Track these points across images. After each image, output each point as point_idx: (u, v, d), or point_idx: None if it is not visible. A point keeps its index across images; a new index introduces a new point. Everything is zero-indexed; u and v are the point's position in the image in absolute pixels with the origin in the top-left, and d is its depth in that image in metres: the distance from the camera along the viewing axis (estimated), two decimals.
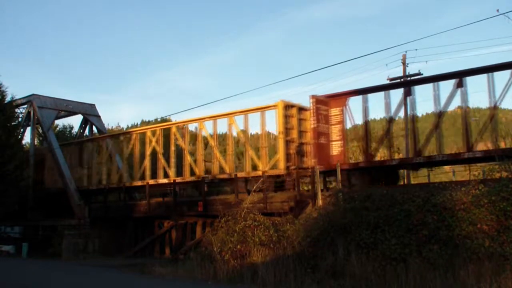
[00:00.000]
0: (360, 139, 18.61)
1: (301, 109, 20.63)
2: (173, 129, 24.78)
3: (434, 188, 12.63)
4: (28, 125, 33.42)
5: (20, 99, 32.70)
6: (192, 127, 28.00)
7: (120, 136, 30.16)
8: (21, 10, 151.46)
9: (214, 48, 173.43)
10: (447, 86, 16.36)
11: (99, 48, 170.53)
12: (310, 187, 18.93)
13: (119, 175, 27.57)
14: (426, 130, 17.79)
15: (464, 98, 15.95)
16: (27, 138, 35.07)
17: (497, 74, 15.36)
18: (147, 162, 25.71)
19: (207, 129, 23.12)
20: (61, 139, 36.39)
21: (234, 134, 22.44)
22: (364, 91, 18.10)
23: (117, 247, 26.46)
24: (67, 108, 34.37)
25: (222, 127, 24.19)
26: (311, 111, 18.39)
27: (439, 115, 16.48)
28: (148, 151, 25.68)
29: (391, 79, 25.80)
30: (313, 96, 18.39)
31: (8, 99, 30.66)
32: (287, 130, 19.92)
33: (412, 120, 17.50)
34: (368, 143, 17.91)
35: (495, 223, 10.68)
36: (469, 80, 15.96)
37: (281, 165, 19.50)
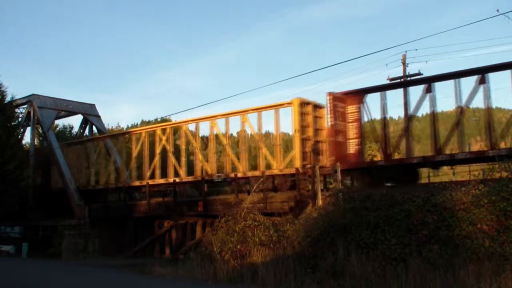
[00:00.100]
0: (378, 137, 18.16)
1: (316, 106, 20.29)
2: (184, 127, 24.23)
3: (434, 188, 12.62)
4: (28, 125, 33.44)
5: (20, 99, 32.71)
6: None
7: (130, 134, 29.25)
8: (21, 10, 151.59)
9: (214, 48, 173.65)
10: (469, 82, 15.99)
11: (99, 48, 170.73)
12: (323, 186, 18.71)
13: (129, 174, 27.10)
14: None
15: (487, 94, 15.54)
16: (27, 138, 35.15)
17: None
18: (156, 161, 25.17)
19: (219, 127, 22.63)
20: (61, 139, 36.38)
21: (247, 132, 22.02)
22: (382, 88, 17.70)
23: (117, 247, 26.46)
24: (67, 108, 34.38)
25: (234, 125, 24.04)
26: (328, 108, 17.98)
27: (461, 113, 16.06)
28: (158, 150, 25.16)
29: (391, 79, 25.79)
30: (330, 93, 18.03)
31: (8, 99, 30.69)
32: (302, 128, 19.53)
33: (433, 118, 16.96)
34: (386, 141, 17.49)
35: (495, 223, 10.68)
36: (492, 76, 15.54)
37: (297, 163, 19.10)
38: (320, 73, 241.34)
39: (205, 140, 36.06)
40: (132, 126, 76.26)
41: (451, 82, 16.21)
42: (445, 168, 20.19)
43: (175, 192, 23.67)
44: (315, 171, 17.47)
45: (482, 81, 15.46)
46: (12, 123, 30.94)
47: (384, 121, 17.71)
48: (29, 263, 23.41)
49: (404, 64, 26.96)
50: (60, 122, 45.63)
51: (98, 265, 21.34)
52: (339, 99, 18.03)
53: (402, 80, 18.27)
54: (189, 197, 26.31)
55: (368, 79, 65.38)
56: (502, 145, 15.93)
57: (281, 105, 20.24)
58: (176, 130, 26.16)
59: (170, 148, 24.67)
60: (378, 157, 20.28)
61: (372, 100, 18.61)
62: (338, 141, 17.81)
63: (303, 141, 19.44)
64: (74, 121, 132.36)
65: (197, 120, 23.58)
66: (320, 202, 16.37)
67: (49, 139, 31.37)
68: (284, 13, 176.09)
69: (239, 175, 20.94)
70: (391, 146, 17.64)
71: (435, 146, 16.28)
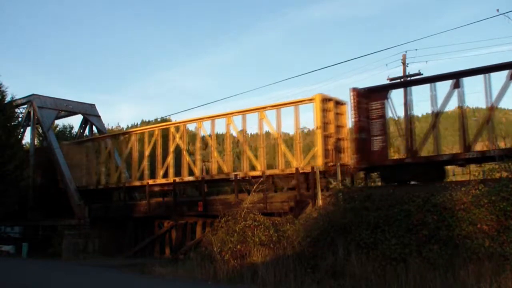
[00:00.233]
0: (403, 133, 17.64)
1: (337, 103, 19.88)
2: (199, 125, 23.53)
3: (434, 188, 12.62)
4: (28, 125, 33.45)
5: (20, 99, 32.72)
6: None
7: (141, 133, 28.19)
8: (21, 10, 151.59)
9: (214, 48, 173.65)
10: (499, 77, 15.31)
11: (99, 48, 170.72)
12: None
13: (140, 172, 26.46)
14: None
15: None
16: (27, 138, 35.15)
17: None
18: (170, 160, 24.59)
19: (236, 124, 22.02)
20: (61, 139, 36.36)
21: (265, 129, 21.46)
22: (407, 84, 17.24)
23: (117, 247, 26.46)
24: (67, 108, 34.39)
25: (251, 122, 23.58)
26: (352, 104, 17.59)
27: (491, 109, 15.54)
28: (171, 148, 24.61)
29: (391, 79, 25.78)
30: (353, 89, 17.64)
31: (8, 99, 30.69)
32: (324, 125, 19.06)
33: (461, 114, 16.36)
34: (412, 138, 17.03)
35: (495, 223, 10.68)
36: None
37: (320, 161, 18.61)
38: (320, 73, 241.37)
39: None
40: (132, 126, 76.21)
41: (480, 78, 15.60)
42: (445, 168, 19.87)
43: (175, 192, 23.66)
44: (315, 171, 17.49)
45: None
46: (12, 123, 30.95)
47: (410, 118, 17.25)
48: (29, 263, 23.41)
49: (404, 64, 26.95)
50: (60, 122, 45.69)
51: (98, 265, 21.34)
52: (363, 95, 17.55)
53: (427, 76, 17.40)
54: (189, 197, 26.32)
55: (368, 79, 65.35)
56: None
57: (301, 101, 19.75)
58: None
59: (184, 146, 24.13)
60: (396, 155, 19.66)
61: (397, 96, 18.15)
62: (361, 139, 17.32)
63: (325, 138, 18.95)
64: (74, 121, 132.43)
65: (213, 117, 22.93)
66: (320, 202, 16.37)
67: (49, 139, 31.37)
68: (284, 13, 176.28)
69: (257, 173, 20.38)
70: (417, 143, 17.03)
71: (464, 143, 15.75)
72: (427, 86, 16.85)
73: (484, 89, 15.50)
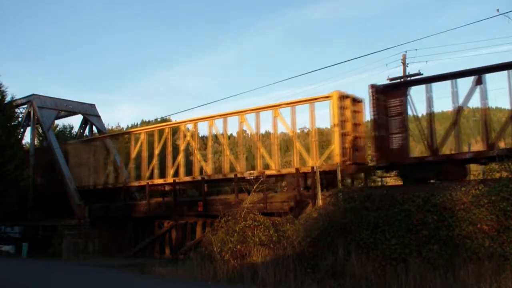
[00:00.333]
0: (424, 131, 17.19)
1: (354, 100, 19.46)
2: (211, 123, 22.91)
3: (434, 188, 12.62)
4: (28, 125, 33.47)
5: (20, 99, 32.74)
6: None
7: (152, 131, 27.31)
8: (21, 10, 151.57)
9: (214, 48, 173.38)
10: None
11: (99, 48, 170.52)
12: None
13: (150, 172, 25.79)
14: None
15: None
16: (27, 138, 35.16)
17: None
18: (181, 158, 24.22)
19: (249, 122, 21.53)
20: (61, 139, 36.37)
21: (279, 127, 21.02)
22: (427, 80, 16.85)
23: (117, 247, 26.46)
24: (67, 108, 34.41)
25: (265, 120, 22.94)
26: (371, 101, 17.25)
27: None
28: (182, 146, 24.23)
29: (391, 79, 25.76)
30: (372, 86, 17.31)
31: (8, 99, 30.71)
32: (342, 123, 18.54)
33: (484, 111, 15.94)
34: (433, 135, 16.67)
35: (495, 223, 10.69)
36: None
37: (337, 159, 18.18)
38: (320, 73, 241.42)
39: (204, 139, 35.59)
40: (132, 126, 76.15)
41: (503, 74, 15.21)
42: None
43: (175, 192, 23.65)
44: (316, 170, 17.48)
45: None
46: (12, 123, 30.96)
47: (431, 115, 16.81)
48: (29, 263, 23.41)
49: (404, 64, 26.91)
50: (60, 122, 45.75)
51: (98, 265, 21.34)
52: (381, 92, 17.21)
53: (449, 72, 16.87)
54: (189, 197, 26.32)
55: (368, 79, 65.14)
56: None
57: (316, 99, 19.32)
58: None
59: (195, 145, 23.70)
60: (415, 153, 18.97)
61: (416, 93, 17.37)
62: (380, 136, 17.02)
63: (343, 136, 18.47)
64: (74, 121, 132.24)
65: (225, 115, 22.43)
66: (320, 202, 16.37)
67: (49, 139, 31.38)
68: (284, 13, 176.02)
69: (273, 172, 20.10)
70: (438, 141, 16.64)
71: (487, 141, 15.40)
72: (447, 83, 16.42)
73: (508, 86, 15.12)
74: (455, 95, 16.28)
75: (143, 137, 26.41)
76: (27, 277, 16.87)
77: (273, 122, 20.69)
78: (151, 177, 25.56)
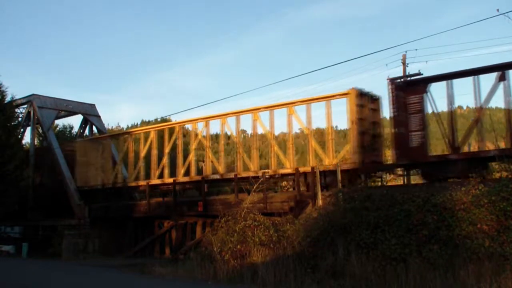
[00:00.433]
0: (444, 129, 16.79)
1: (372, 98, 19.07)
2: (223, 121, 22.32)
3: (434, 188, 12.61)
4: (28, 125, 33.48)
5: (20, 99, 32.76)
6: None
7: (163, 129, 26.67)
8: (21, 10, 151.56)
9: (214, 48, 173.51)
10: None
11: (99, 48, 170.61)
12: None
13: (160, 170, 25.13)
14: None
15: None
16: (27, 138, 35.17)
17: None
18: (192, 157, 23.75)
19: (262, 120, 21.07)
20: (61, 139, 36.36)
21: (294, 125, 20.65)
22: (448, 77, 16.43)
23: (117, 247, 26.47)
24: (67, 108, 34.41)
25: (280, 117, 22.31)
26: (390, 98, 16.93)
27: None
28: (193, 145, 23.75)
29: (391, 79, 25.74)
30: (392, 82, 17.00)
31: (8, 99, 30.72)
32: (359, 121, 18.05)
33: (508, 108, 15.42)
34: (454, 133, 16.28)
35: (495, 223, 10.68)
36: None
37: (355, 158, 17.86)
38: (320, 73, 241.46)
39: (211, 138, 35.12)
40: (132, 126, 76.30)
41: None
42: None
43: (175, 192, 23.65)
44: (315, 170, 17.48)
45: None
46: (12, 123, 30.99)
47: (451, 112, 16.46)
48: (29, 263, 23.41)
49: (404, 64, 26.90)
50: (60, 122, 45.78)
51: (98, 265, 21.34)
52: (401, 88, 16.90)
53: (471, 68, 16.40)
54: (189, 197, 26.32)
55: (368, 79, 65.47)
56: None
57: (333, 96, 18.89)
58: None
59: (207, 143, 23.32)
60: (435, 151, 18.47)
61: (436, 90, 17.06)
62: (400, 134, 16.68)
63: (360, 134, 18.03)
64: (74, 121, 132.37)
65: (238, 113, 21.90)
66: (320, 202, 16.36)
67: (49, 139, 31.37)
68: (284, 13, 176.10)
69: (288, 171, 19.64)
70: (459, 139, 16.27)
71: (511, 139, 15.10)
72: (469, 79, 16.00)
73: None
74: (477, 92, 15.83)
75: (152, 135, 25.93)
76: (27, 277, 16.87)
77: (288, 120, 20.29)
78: (161, 176, 24.97)
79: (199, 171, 23.80)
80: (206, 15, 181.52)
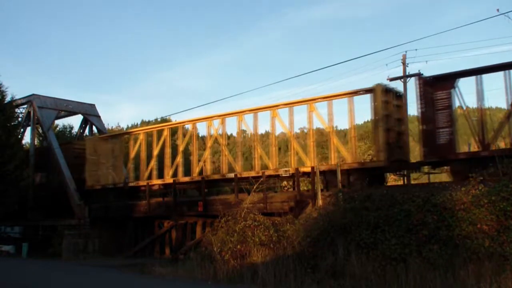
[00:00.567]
0: (474, 125, 16.33)
1: (397, 94, 18.81)
2: (240, 118, 21.70)
3: (434, 188, 12.62)
4: (28, 125, 33.47)
5: (20, 99, 32.75)
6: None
7: (175, 127, 26.36)
8: (22, 10, 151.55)
9: (214, 48, 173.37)
10: None
11: (99, 48, 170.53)
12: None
13: (174, 169, 24.50)
14: None
15: None
16: (27, 138, 35.16)
17: None
18: (207, 155, 23.44)
19: (281, 117, 20.65)
20: (61, 139, 36.36)
21: (315, 122, 20.11)
22: (477, 71, 16.03)
23: (117, 247, 26.46)
24: (67, 108, 34.42)
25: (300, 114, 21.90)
26: (418, 93, 16.61)
27: None
28: (209, 143, 23.30)
29: (391, 79, 25.84)
30: (419, 77, 16.71)
31: (8, 99, 30.70)
32: (385, 117, 17.60)
33: None
34: (484, 129, 15.86)
35: (495, 223, 10.69)
36: None
37: (381, 156, 17.36)
38: (320, 73, 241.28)
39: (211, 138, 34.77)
40: (132, 126, 76.23)
41: None
42: (446, 167, 19.41)
43: (175, 192, 23.64)
44: (315, 170, 17.48)
45: None
46: (12, 123, 30.96)
47: (482, 108, 16.04)
48: (29, 263, 23.41)
49: (404, 64, 27.02)
50: (60, 122, 45.81)
51: (98, 265, 21.34)
52: (429, 84, 16.56)
53: (501, 62, 16.16)
54: (189, 197, 26.31)
55: (368, 79, 65.32)
56: None
57: (355, 92, 18.40)
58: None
59: (223, 141, 22.73)
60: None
61: (464, 85, 16.47)
62: (428, 130, 16.37)
63: (386, 132, 17.61)
64: (74, 121, 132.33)
65: (255, 110, 21.33)
66: (320, 202, 16.37)
67: (49, 139, 31.37)
68: (284, 13, 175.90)
69: (306, 169, 18.96)
70: (490, 136, 15.80)
71: None
72: (499, 74, 15.60)
73: None
74: (508, 87, 15.40)
75: (166, 133, 25.33)
76: (27, 277, 16.87)
77: (308, 117, 19.70)
78: (175, 175, 24.43)
79: (216, 169, 23.13)
80: (206, 15, 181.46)
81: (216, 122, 22.78)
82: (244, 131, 22.55)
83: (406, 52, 26.91)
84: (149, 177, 25.50)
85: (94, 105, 35.57)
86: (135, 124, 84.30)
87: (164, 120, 49.57)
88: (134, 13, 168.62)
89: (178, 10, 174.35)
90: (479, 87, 15.94)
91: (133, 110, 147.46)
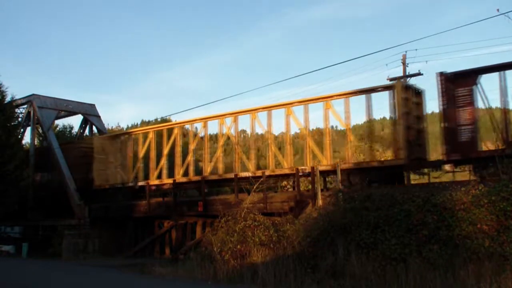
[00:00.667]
0: (497, 123, 15.91)
1: (416, 91, 18.52)
2: (253, 116, 21.26)
3: (434, 188, 12.62)
4: (28, 125, 33.43)
5: (20, 99, 32.72)
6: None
7: (186, 125, 26.05)
8: (21, 10, 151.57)
9: (214, 48, 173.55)
10: None
11: (99, 48, 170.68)
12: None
13: (184, 169, 24.17)
14: None
15: None
16: (27, 138, 35.13)
17: None
18: (219, 153, 22.89)
19: (296, 115, 20.20)
20: (61, 139, 36.33)
21: (331, 120, 19.73)
22: (501, 67, 15.61)
23: (117, 247, 26.45)
24: (67, 108, 34.39)
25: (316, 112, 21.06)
26: (440, 90, 16.34)
27: None
28: (221, 141, 22.94)
29: (391, 79, 25.78)
30: (441, 74, 16.39)
31: (8, 99, 30.68)
32: (405, 115, 17.30)
33: None
34: (507, 127, 15.44)
35: (495, 223, 10.69)
36: None
37: (401, 154, 17.04)
38: (320, 73, 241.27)
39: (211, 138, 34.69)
40: (132, 126, 76.22)
41: None
42: (446, 167, 19.26)
43: (175, 192, 23.63)
44: (315, 170, 17.48)
45: None
46: (12, 123, 30.94)
47: (505, 105, 15.52)
48: (29, 263, 23.41)
49: (404, 64, 26.96)
50: (60, 122, 45.72)
51: (98, 265, 21.34)
52: (450, 81, 16.29)
53: None
54: (189, 197, 26.28)
55: (368, 79, 65.49)
56: None
57: (373, 89, 18.09)
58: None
59: (236, 140, 22.45)
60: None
61: (487, 82, 16.09)
62: (450, 128, 16.09)
63: (407, 129, 17.25)
64: (74, 121, 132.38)
65: (269, 108, 20.91)
66: (320, 202, 16.37)
67: (49, 139, 31.34)
68: (284, 13, 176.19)
69: (325, 168, 18.74)
70: None
71: None
72: None
73: None
74: None
75: (176, 131, 24.75)
76: (27, 277, 16.87)
77: (324, 114, 19.28)
78: (186, 174, 24.06)
79: (227, 168, 22.85)
80: (206, 15, 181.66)
81: (229, 120, 22.39)
82: (244, 131, 22.20)
83: (406, 52, 26.84)
84: (159, 176, 25.14)
85: (94, 105, 35.56)
86: (135, 124, 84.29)
87: (164, 120, 49.47)
88: (134, 13, 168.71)
89: (178, 10, 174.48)
90: (503, 84, 15.59)
91: (133, 110, 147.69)
